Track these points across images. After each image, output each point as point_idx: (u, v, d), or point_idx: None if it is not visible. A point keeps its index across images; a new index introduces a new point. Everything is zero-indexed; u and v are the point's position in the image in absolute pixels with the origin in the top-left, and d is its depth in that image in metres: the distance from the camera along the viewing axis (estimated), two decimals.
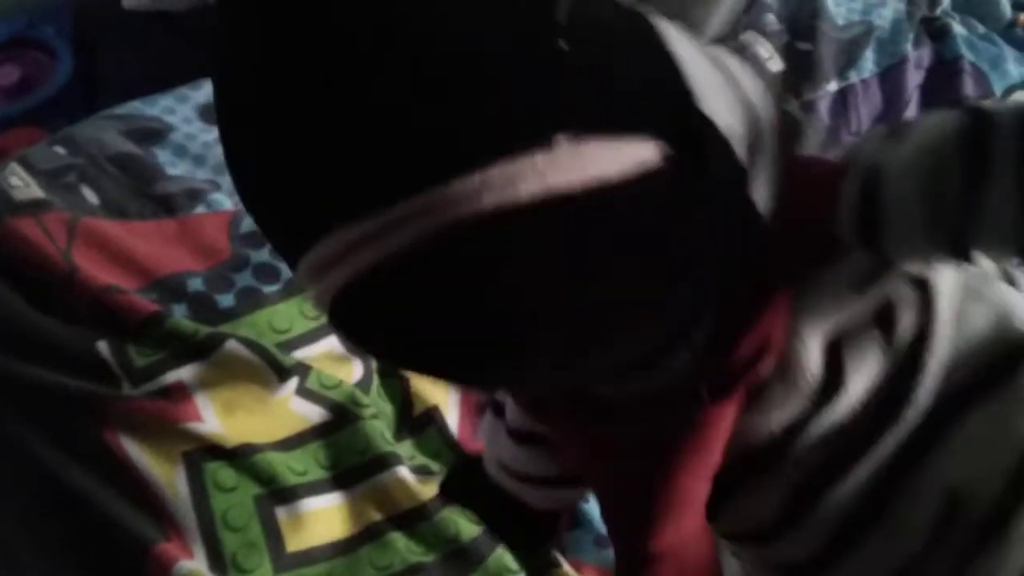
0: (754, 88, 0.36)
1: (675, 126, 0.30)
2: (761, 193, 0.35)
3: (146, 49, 1.13)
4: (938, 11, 1.34)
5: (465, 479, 0.66)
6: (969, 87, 1.22)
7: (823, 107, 1.19)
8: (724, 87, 0.34)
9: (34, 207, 0.89)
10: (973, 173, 0.33)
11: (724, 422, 0.39)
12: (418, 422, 0.89)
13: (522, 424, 0.55)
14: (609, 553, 0.81)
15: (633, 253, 0.31)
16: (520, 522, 0.63)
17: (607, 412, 0.42)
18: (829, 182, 0.37)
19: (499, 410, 0.57)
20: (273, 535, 0.78)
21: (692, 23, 0.37)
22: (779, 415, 0.40)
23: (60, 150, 0.95)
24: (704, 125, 0.32)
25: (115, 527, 0.76)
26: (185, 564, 0.74)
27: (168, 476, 0.79)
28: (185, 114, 1.01)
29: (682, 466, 0.40)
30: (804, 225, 0.37)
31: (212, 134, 1.00)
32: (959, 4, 1.39)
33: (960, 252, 0.35)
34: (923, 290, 0.39)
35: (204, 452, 0.80)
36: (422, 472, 0.84)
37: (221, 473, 0.80)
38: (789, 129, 0.37)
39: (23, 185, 0.90)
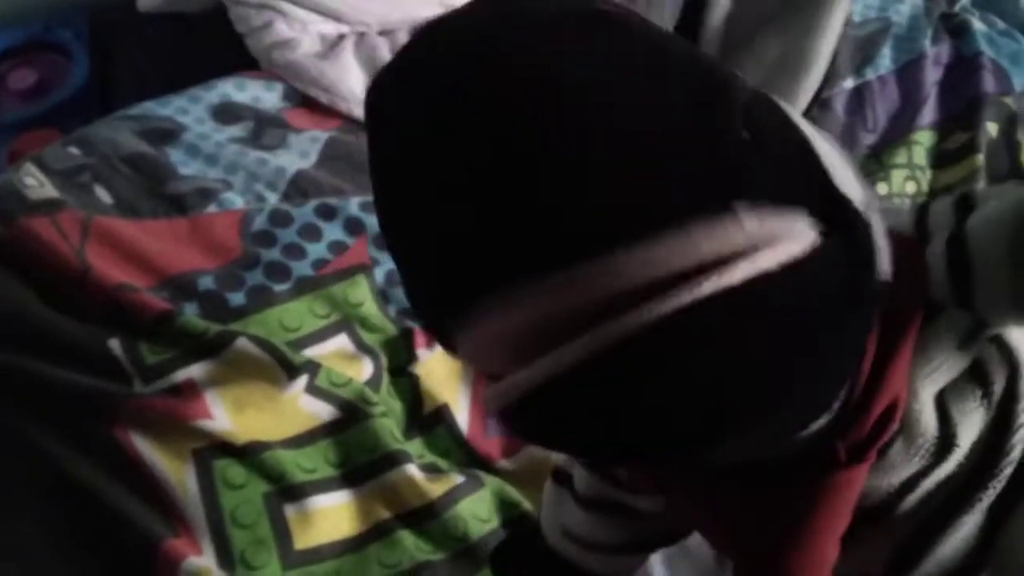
0: (856, 169, 0.38)
1: (823, 205, 0.33)
2: (886, 263, 0.36)
3: (161, 51, 1.14)
4: (957, 7, 1.32)
5: (520, 550, 0.67)
6: (989, 84, 1.20)
7: (839, 105, 1.17)
8: (845, 165, 0.36)
9: (48, 206, 0.89)
10: None
11: (856, 483, 0.41)
12: (428, 421, 0.89)
13: (593, 491, 0.55)
14: None
15: (816, 329, 0.32)
16: None
17: (741, 479, 0.43)
18: (913, 245, 0.40)
19: (561, 478, 0.58)
20: (282, 532, 0.78)
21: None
22: (901, 473, 0.42)
23: (74, 150, 0.96)
24: (846, 204, 0.34)
25: (125, 523, 0.76)
26: (194, 560, 0.74)
27: (178, 473, 0.79)
28: (198, 114, 1.02)
29: (820, 527, 0.41)
30: (908, 288, 0.39)
31: (224, 134, 1.01)
32: (978, 0, 1.37)
33: None
34: (1004, 349, 0.41)
35: (214, 449, 0.80)
36: (431, 470, 0.84)
37: (230, 470, 0.80)
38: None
39: (37, 185, 0.91)
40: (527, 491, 0.82)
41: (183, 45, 1.14)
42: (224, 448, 0.80)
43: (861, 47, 1.24)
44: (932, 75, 1.22)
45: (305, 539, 0.78)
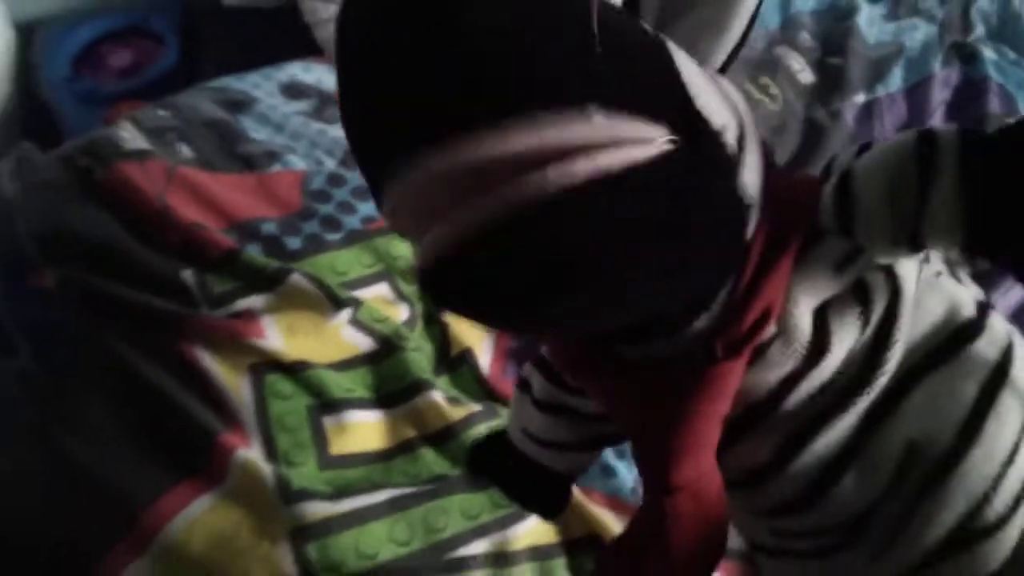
0: (740, 102, 0.43)
1: (679, 119, 0.37)
2: (750, 177, 0.41)
3: (240, 40, 1.28)
4: (971, 37, 1.42)
5: (489, 450, 0.72)
6: (995, 105, 1.29)
7: (849, 116, 1.27)
8: (716, 95, 0.40)
9: (139, 155, 1.03)
10: (924, 177, 0.40)
11: (734, 376, 0.45)
12: (454, 361, 0.99)
13: (548, 396, 0.62)
14: (614, 481, 0.90)
15: (660, 219, 0.37)
16: (537, 488, 0.69)
17: (638, 368, 0.48)
18: (812, 181, 0.45)
19: (525, 386, 0.65)
20: (320, 438, 0.88)
21: (698, 60, 0.44)
22: (777, 372, 0.46)
23: (163, 112, 1.10)
24: (701, 120, 0.38)
25: (187, 417, 0.86)
26: (244, 452, 0.85)
27: (234, 383, 0.89)
28: (269, 89, 1.15)
29: (699, 412, 0.46)
30: (794, 214, 0.44)
31: (291, 107, 1.14)
32: (993, 32, 1.46)
33: (915, 240, 0.42)
34: (891, 278, 0.46)
35: (266, 365, 0.90)
36: (454, 402, 0.94)
37: (280, 384, 0.90)
38: (765, 142, 0.46)
39: (131, 137, 1.05)
40: None
41: (259, 34, 1.28)
42: (275, 365, 0.90)
43: (874, 67, 1.34)
44: (940, 95, 1.31)
45: (340, 446, 0.89)
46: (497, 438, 0.72)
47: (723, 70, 0.44)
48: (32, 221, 0.99)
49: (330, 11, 1.20)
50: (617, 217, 0.36)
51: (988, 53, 1.38)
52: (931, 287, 0.47)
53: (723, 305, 0.44)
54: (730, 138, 0.40)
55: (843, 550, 0.50)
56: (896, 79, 1.33)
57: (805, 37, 1.37)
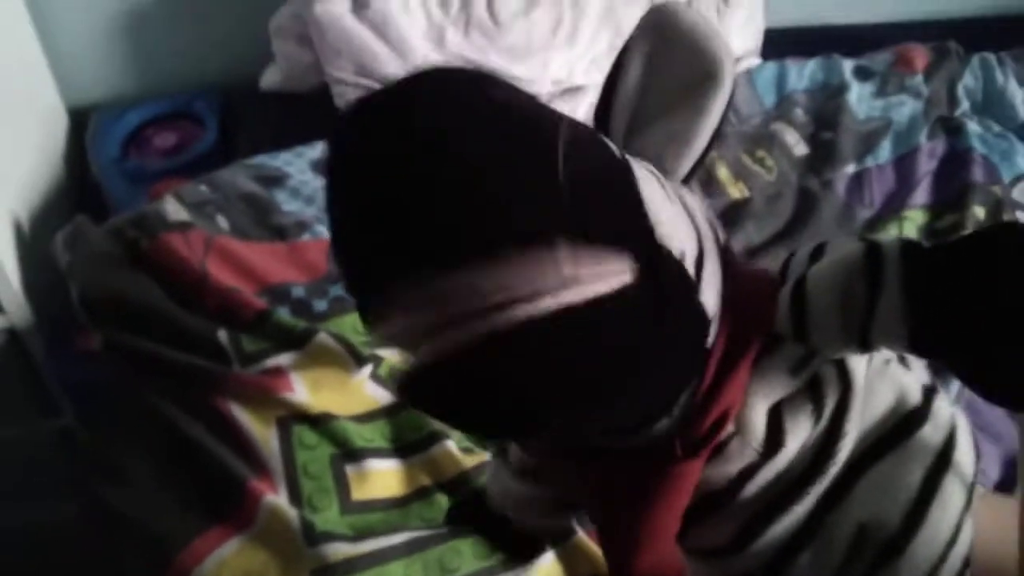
0: (700, 212, 0.46)
1: (641, 248, 0.39)
2: (709, 294, 0.44)
3: (275, 121, 1.40)
4: (957, 112, 1.50)
5: (470, 508, 0.77)
6: (979, 174, 1.35)
7: (841, 186, 1.35)
8: (678, 216, 0.43)
9: (182, 227, 1.12)
10: (871, 290, 0.43)
11: (693, 473, 0.48)
12: None
13: (522, 463, 0.65)
14: None
15: (621, 345, 0.39)
16: (516, 540, 0.74)
17: (603, 462, 0.51)
18: (769, 290, 0.48)
19: (502, 453, 0.69)
20: (342, 485, 0.95)
21: (665, 168, 0.46)
22: (734, 465, 0.49)
23: (203, 188, 1.20)
24: (661, 250, 0.41)
25: (220, 466, 0.93)
26: (272, 497, 0.91)
27: (264, 434, 0.96)
28: (300, 166, 1.26)
29: (659, 506, 0.49)
30: (753, 319, 0.47)
31: (320, 181, 1.24)
32: (977, 107, 1.55)
33: (865, 345, 0.44)
34: (842, 371, 0.48)
35: (294, 417, 0.97)
36: (467, 451, 1.00)
37: (305, 434, 0.97)
38: (728, 247, 0.49)
39: (174, 211, 1.14)
40: None
41: (292, 117, 1.40)
42: (302, 417, 0.97)
43: (863, 140, 1.43)
44: (926, 165, 1.39)
45: (361, 492, 0.95)
46: (474, 499, 0.76)
47: (687, 180, 0.47)
48: (83, 288, 1.08)
49: (359, 94, 1.31)
50: (579, 345, 0.38)
51: (973, 126, 1.45)
52: (881, 375, 0.50)
53: (684, 407, 0.46)
54: (689, 262, 0.42)
55: None
56: (885, 151, 1.41)
57: (799, 113, 1.47)
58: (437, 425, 1.00)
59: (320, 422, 0.98)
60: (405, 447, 1.00)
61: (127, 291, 1.08)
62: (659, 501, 0.49)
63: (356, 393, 1.02)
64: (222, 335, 1.05)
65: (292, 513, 0.90)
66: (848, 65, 1.56)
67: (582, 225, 0.38)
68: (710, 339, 0.45)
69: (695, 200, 0.46)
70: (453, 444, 0.98)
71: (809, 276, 0.46)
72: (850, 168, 1.38)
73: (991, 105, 1.54)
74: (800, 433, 0.48)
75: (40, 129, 1.37)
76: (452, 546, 0.90)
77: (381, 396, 1.03)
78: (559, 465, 0.56)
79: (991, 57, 1.60)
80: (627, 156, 0.44)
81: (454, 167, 0.37)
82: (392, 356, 1.07)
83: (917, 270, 0.42)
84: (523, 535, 0.73)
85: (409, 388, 0.40)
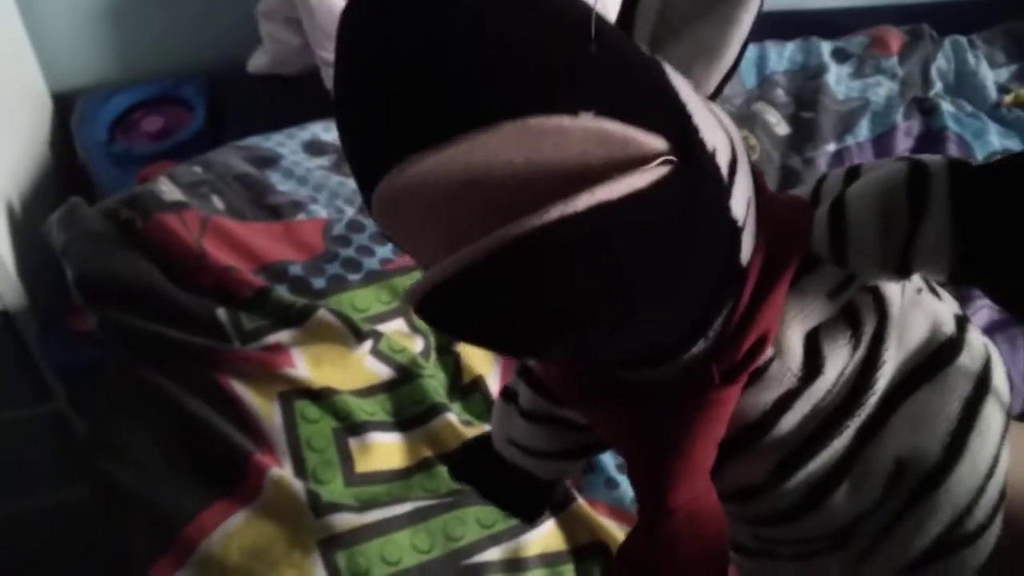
0: (731, 127, 0.42)
1: (675, 133, 0.36)
2: (740, 200, 0.41)
3: (263, 105, 1.40)
4: (931, 93, 1.55)
5: (472, 455, 0.73)
6: (953, 152, 1.39)
7: (822, 163, 1.39)
8: (710, 117, 0.40)
9: (177, 206, 1.12)
10: (915, 207, 0.40)
11: (730, 400, 0.45)
12: (466, 389, 1.07)
13: (535, 406, 0.62)
14: (617, 493, 0.98)
15: (659, 246, 0.37)
16: (520, 493, 0.70)
17: (634, 392, 0.49)
18: (804, 211, 0.45)
19: (510, 395, 0.65)
20: (345, 458, 0.96)
21: (690, 81, 0.44)
22: (771, 393, 0.46)
23: (197, 169, 1.20)
24: (696, 137, 0.38)
25: (223, 441, 0.94)
26: (276, 470, 0.92)
27: (266, 409, 0.97)
28: (293, 147, 1.26)
29: (695, 437, 0.46)
30: (788, 240, 0.44)
31: (313, 162, 1.25)
32: (951, 88, 1.59)
33: (904, 270, 0.42)
34: (878, 299, 0.46)
35: (295, 392, 0.98)
36: (467, 424, 1.02)
37: (308, 409, 0.98)
38: (756, 169, 0.46)
39: (169, 191, 1.15)
40: None
41: (281, 100, 1.40)
42: (304, 392, 0.98)
43: (843, 119, 1.47)
44: (903, 144, 1.43)
45: (364, 465, 0.96)
46: (477, 444, 0.72)
47: (714, 96, 0.44)
48: (79, 268, 1.08)
49: None
50: (617, 247, 0.35)
51: (947, 106, 1.50)
52: (914, 305, 0.48)
53: (719, 331, 0.44)
54: (722, 160, 0.40)
55: (824, 554, 0.52)
56: (863, 130, 1.45)
57: (780, 94, 1.50)
58: (437, 398, 1.02)
59: (322, 396, 0.99)
60: (406, 421, 1.02)
61: (123, 271, 1.08)
62: (695, 430, 0.46)
63: (357, 368, 1.03)
64: (221, 313, 1.06)
65: (298, 485, 0.91)
66: (826, 47, 1.60)
67: (613, 94, 0.35)
68: (745, 256, 0.42)
69: (724, 114, 0.43)
70: (454, 417, 1.00)
71: (848, 195, 0.43)
72: (831, 146, 1.41)
73: (963, 86, 1.59)
74: (839, 359, 0.46)
75: (25, 114, 1.36)
76: (456, 515, 0.92)
77: (382, 371, 1.04)
78: (584, 400, 0.52)
79: (963, 40, 1.64)
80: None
81: (474, 29, 0.34)
82: (391, 332, 1.08)
83: (965, 188, 0.39)
84: (526, 488, 0.68)
85: (427, 302, 0.37)
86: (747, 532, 0.55)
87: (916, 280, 0.49)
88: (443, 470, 0.97)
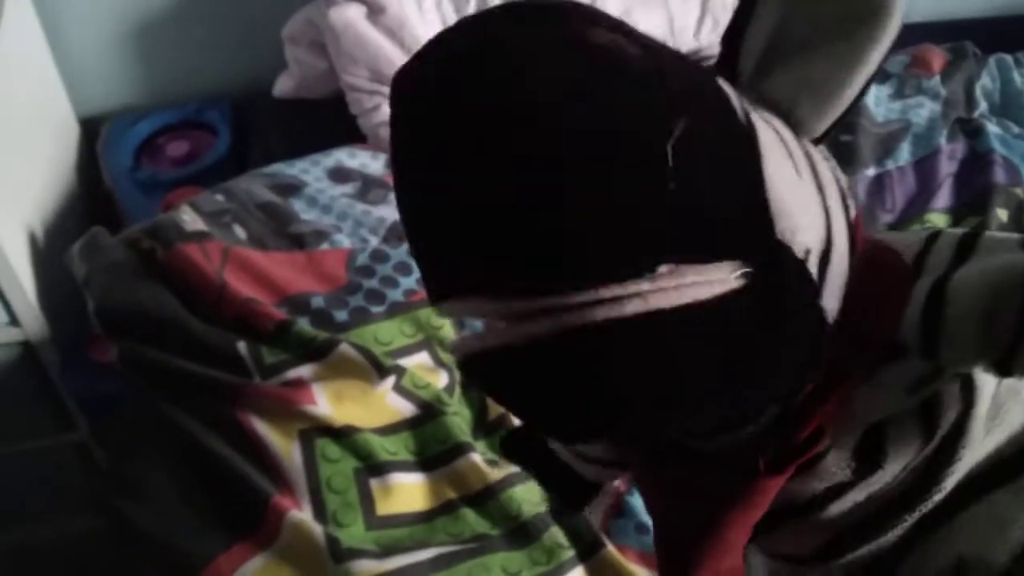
0: (832, 185, 0.39)
1: (758, 253, 0.34)
2: (831, 302, 0.38)
3: (288, 129, 1.38)
4: (976, 113, 1.49)
5: (524, 436, 0.72)
6: (1000, 176, 1.34)
7: (861, 188, 1.34)
8: (808, 199, 0.37)
9: (198, 236, 1.11)
10: None
11: (773, 489, 0.43)
12: (492, 426, 1.04)
13: None
14: (648, 538, 0.93)
15: (715, 356, 0.35)
16: (568, 483, 0.68)
17: (678, 463, 0.47)
18: (898, 285, 0.41)
19: None
20: (367, 500, 0.93)
21: (797, 121, 0.38)
22: (823, 483, 0.44)
23: (219, 197, 1.18)
24: (782, 253, 0.35)
25: (242, 482, 0.92)
26: (296, 513, 0.90)
27: (286, 447, 0.95)
28: (317, 174, 1.24)
29: (731, 520, 0.44)
30: (872, 325, 0.40)
31: (337, 190, 1.22)
32: (996, 108, 1.53)
33: (1006, 370, 0.39)
34: (967, 390, 0.42)
35: (316, 430, 0.96)
36: (493, 464, 0.99)
37: (328, 447, 0.96)
38: (857, 221, 0.41)
39: (191, 220, 1.13)
40: None
41: (307, 125, 1.38)
42: (324, 430, 0.96)
43: (883, 142, 1.41)
44: (947, 168, 1.37)
45: (385, 507, 0.93)
46: (534, 433, 0.69)
47: (821, 139, 0.40)
48: (99, 299, 1.07)
49: (374, 101, 1.30)
50: (665, 356, 0.34)
51: (992, 128, 1.44)
52: (1015, 396, 0.43)
53: (775, 416, 0.42)
54: (813, 259, 0.36)
55: None
56: (904, 153, 1.40)
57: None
58: (462, 437, 0.99)
59: (343, 435, 0.96)
60: (430, 460, 0.99)
61: (144, 302, 1.06)
62: (731, 513, 0.44)
63: (379, 405, 1.00)
64: (241, 346, 1.04)
65: (317, 529, 0.89)
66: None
67: (691, 242, 0.33)
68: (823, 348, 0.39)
69: (827, 166, 0.39)
70: (479, 456, 0.97)
71: (952, 285, 0.39)
72: (870, 171, 1.37)
73: (1009, 106, 1.53)
74: (903, 456, 0.43)
75: (52, 140, 1.36)
76: (481, 562, 0.89)
77: (404, 408, 1.01)
78: (631, 461, 0.51)
79: (1008, 58, 1.59)
80: (752, 114, 0.36)
81: (540, 147, 0.32)
82: (415, 367, 1.05)
83: None
84: (574, 477, 0.67)
85: (473, 367, 0.37)
86: None
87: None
88: (467, 513, 0.94)
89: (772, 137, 0.36)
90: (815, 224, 0.37)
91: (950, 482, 0.43)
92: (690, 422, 0.39)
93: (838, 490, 0.44)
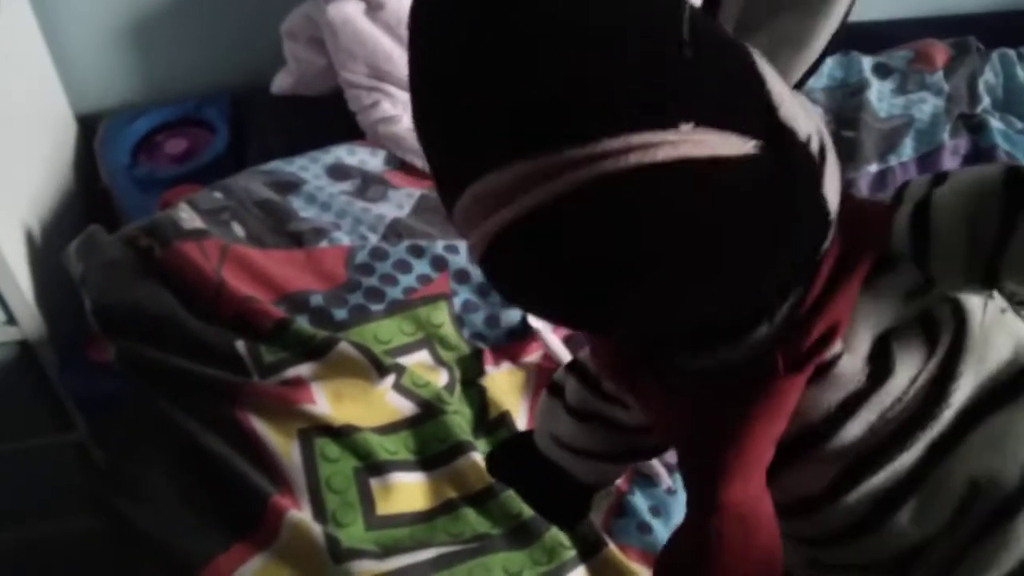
0: (817, 116, 0.42)
1: (766, 129, 0.37)
2: (831, 188, 0.40)
3: (286, 126, 1.37)
4: (979, 109, 1.48)
5: (512, 452, 0.70)
6: None
7: (863, 184, 1.33)
8: (799, 107, 0.40)
9: (196, 234, 1.10)
10: (1010, 212, 0.39)
11: (793, 394, 0.44)
12: (492, 424, 1.03)
13: (582, 403, 0.60)
14: (650, 538, 0.93)
15: (738, 216, 0.36)
16: (560, 496, 0.67)
17: (693, 379, 0.47)
18: (883, 208, 0.44)
19: (557, 391, 0.63)
20: (366, 499, 0.92)
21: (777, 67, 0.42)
22: (837, 393, 0.44)
23: (218, 195, 1.18)
24: (787, 130, 0.38)
25: (241, 481, 0.91)
26: (295, 513, 0.89)
27: (285, 447, 0.94)
28: (316, 172, 1.23)
29: (753, 429, 0.44)
30: (866, 236, 0.43)
31: (336, 188, 1.22)
32: (999, 103, 1.52)
33: (990, 280, 0.41)
34: (957, 311, 0.45)
35: (315, 430, 0.95)
36: None
37: (328, 447, 0.95)
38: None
39: (189, 218, 1.12)
40: None
41: (305, 121, 1.37)
42: (323, 429, 0.95)
43: (886, 138, 1.40)
44: (950, 163, 1.36)
45: (385, 507, 0.93)
46: (520, 441, 0.69)
47: (797, 87, 0.42)
48: (97, 298, 1.06)
49: (373, 98, 1.29)
50: (694, 208, 0.35)
51: (995, 123, 1.43)
52: (998, 324, 0.46)
53: (787, 318, 0.43)
54: (814, 147, 0.39)
55: None
56: (907, 149, 1.39)
57: (819, 112, 1.44)
58: (462, 436, 0.98)
59: (343, 434, 0.96)
60: (430, 459, 0.98)
61: (141, 301, 1.05)
62: (754, 421, 0.44)
63: (379, 404, 1.00)
64: (240, 345, 1.03)
65: (316, 529, 0.88)
66: (867, 62, 1.54)
67: (709, 102, 0.35)
68: (824, 245, 0.42)
69: (810, 105, 0.42)
70: (479, 456, 0.96)
71: (936, 197, 0.42)
72: (873, 167, 1.36)
73: (1013, 102, 1.52)
74: (910, 364, 0.44)
75: (49, 137, 1.35)
76: (481, 562, 0.88)
77: (404, 407, 1.01)
78: (641, 386, 0.50)
79: (1011, 53, 1.57)
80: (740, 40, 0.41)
81: (566, 18, 0.34)
82: (415, 365, 1.05)
83: None
84: (568, 491, 0.65)
85: (492, 248, 0.37)
86: (802, 557, 0.51)
87: (999, 300, 0.47)
88: (468, 513, 0.93)
89: (760, 57, 0.40)
90: (809, 124, 0.40)
91: (956, 398, 0.45)
92: (710, 289, 0.39)
93: (851, 403, 0.44)
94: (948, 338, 0.45)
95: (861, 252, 0.43)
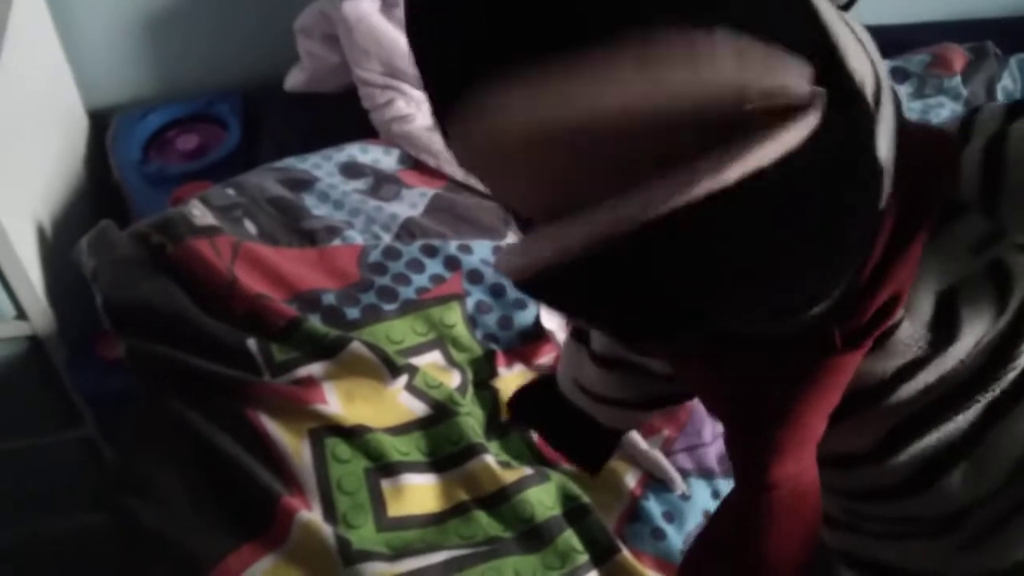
0: (872, 46, 0.37)
1: (819, 60, 0.31)
2: (885, 139, 0.35)
3: (299, 123, 1.37)
4: None
5: (535, 394, 0.66)
6: None
7: None
8: (852, 38, 0.35)
9: (209, 231, 1.09)
10: None
11: (850, 369, 0.41)
12: (505, 427, 1.02)
13: (608, 350, 0.56)
14: (664, 544, 0.92)
15: (812, 207, 0.32)
16: (583, 439, 0.64)
17: (742, 349, 0.43)
18: (949, 142, 0.39)
19: (581, 336, 0.59)
20: (377, 501, 0.92)
21: None
22: (895, 361, 0.41)
23: (230, 191, 1.17)
24: (842, 68, 0.33)
25: (253, 482, 0.90)
26: (305, 514, 0.88)
27: (296, 447, 0.93)
28: (329, 169, 1.22)
29: (809, 405, 0.41)
30: (929, 183, 0.38)
31: (349, 186, 1.21)
32: None
33: None
34: None
35: (326, 430, 0.94)
36: (506, 466, 0.97)
37: (339, 447, 0.94)
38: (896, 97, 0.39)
39: (201, 215, 1.11)
40: (587, 489, 0.94)
41: (318, 119, 1.36)
42: (335, 429, 0.94)
43: None
44: None
45: (397, 508, 0.92)
46: (541, 385, 0.66)
47: (846, 7, 0.38)
48: (108, 293, 1.05)
49: (387, 96, 1.28)
50: (770, 219, 0.31)
51: None
52: None
53: (844, 289, 0.39)
54: (868, 91, 0.34)
55: (917, 539, 0.46)
56: None
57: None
58: (474, 437, 0.97)
59: (354, 435, 0.95)
60: (441, 461, 0.97)
61: (152, 298, 1.05)
62: (809, 398, 0.41)
63: (391, 405, 0.99)
64: (251, 343, 1.02)
65: (327, 530, 0.87)
66: (884, 66, 1.52)
67: (754, 11, 0.29)
68: (883, 202, 0.36)
69: (863, 32, 0.37)
70: (491, 458, 0.95)
71: (1013, 133, 0.37)
72: None
73: None
74: (978, 325, 0.40)
75: (61, 132, 1.34)
76: (493, 565, 0.87)
77: (416, 408, 1.00)
78: (685, 358, 0.47)
79: None
80: None
81: None
82: (427, 366, 1.04)
83: None
84: (591, 434, 0.63)
85: (535, 282, 0.32)
86: (837, 504, 0.49)
87: None
88: (480, 516, 0.92)
89: None
90: (863, 60, 0.35)
91: (1022, 361, 0.40)
92: (777, 296, 0.35)
93: (911, 369, 0.41)
94: (1021, 293, 0.40)
95: (924, 204, 0.38)
